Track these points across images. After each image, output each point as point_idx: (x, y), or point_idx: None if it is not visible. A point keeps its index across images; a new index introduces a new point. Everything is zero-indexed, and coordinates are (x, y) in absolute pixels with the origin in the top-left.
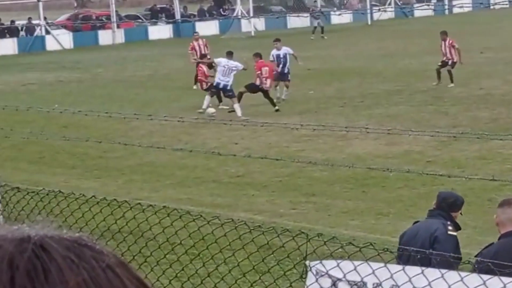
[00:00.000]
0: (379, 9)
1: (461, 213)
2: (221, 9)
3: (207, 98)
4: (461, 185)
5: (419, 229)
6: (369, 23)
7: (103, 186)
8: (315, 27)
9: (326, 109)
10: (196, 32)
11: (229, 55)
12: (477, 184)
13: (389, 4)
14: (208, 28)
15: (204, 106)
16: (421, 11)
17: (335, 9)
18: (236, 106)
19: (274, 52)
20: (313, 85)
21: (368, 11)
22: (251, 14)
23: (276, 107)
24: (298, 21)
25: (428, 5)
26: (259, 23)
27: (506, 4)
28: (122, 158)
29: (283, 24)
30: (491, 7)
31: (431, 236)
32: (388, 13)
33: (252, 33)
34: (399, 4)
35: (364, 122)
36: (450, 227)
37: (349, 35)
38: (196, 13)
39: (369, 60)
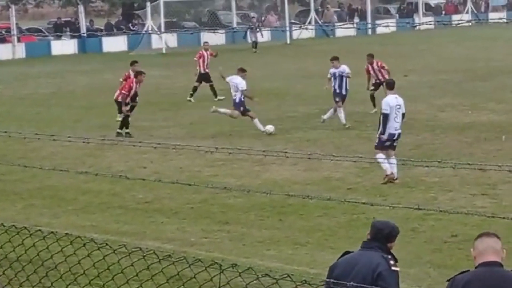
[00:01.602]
0: (299, 28)
1: None
2: (130, 24)
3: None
4: (383, 214)
5: (356, 262)
6: (288, 42)
7: (0, 211)
8: (254, 42)
9: (241, 132)
10: (206, 42)
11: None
12: (399, 213)
13: (310, 22)
14: (116, 44)
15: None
16: (343, 31)
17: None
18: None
19: (332, 70)
20: (228, 106)
21: (287, 29)
22: (162, 30)
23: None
24: (213, 37)
25: (351, 23)
26: (171, 40)
27: (431, 25)
28: (21, 181)
29: (196, 41)
30: (416, 27)
31: (373, 272)
32: (309, 32)
33: (163, 50)
34: (320, 22)
35: (281, 147)
36: (392, 261)
37: (267, 54)
38: (103, 28)
39: (288, 81)
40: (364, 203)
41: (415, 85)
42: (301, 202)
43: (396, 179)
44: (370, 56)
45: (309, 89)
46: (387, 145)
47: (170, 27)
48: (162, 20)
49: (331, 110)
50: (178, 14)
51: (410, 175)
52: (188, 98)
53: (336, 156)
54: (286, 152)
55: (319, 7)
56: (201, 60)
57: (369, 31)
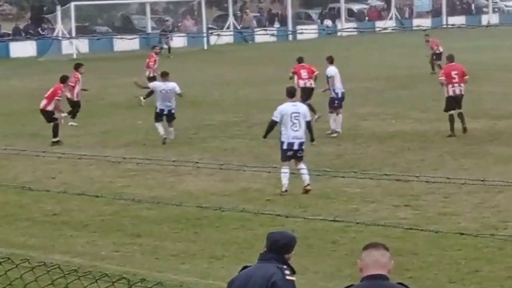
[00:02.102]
0: (217, 34)
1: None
2: (39, 29)
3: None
4: (302, 226)
5: (252, 274)
6: (206, 47)
7: None
8: (169, 47)
9: (156, 141)
10: (157, 46)
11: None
12: (320, 225)
13: (228, 28)
14: (24, 49)
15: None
16: (263, 37)
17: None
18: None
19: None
20: (142, 114)
21: (205, 34)
22: (73, 35)
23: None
24: (127, 43)
25: (265, 30)
26: (82, 45)
27: (354, 32)
28: None
29: (109, 46)
30: (338, 33)
31: (268, 282)
32: (227, 38)
33: (74, 56)
34: (239, 28)
35: (198, 156)
36: (287, 271)
37: (183, 60)
38: (10, 32)
39: (205, 88)
40: (278, 215)
41: None
42: (217, 214)
43: (308, 185)
44: (300, 60)
45: (227, 96)
46: (290, 155)
47: (82, 31)
48: (73, 24)
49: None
50: (90, 18)
51: (330, 185)
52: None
53: (250, 166)
54: (197, 162)
55: (238, 12)
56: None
57: (290, 37)
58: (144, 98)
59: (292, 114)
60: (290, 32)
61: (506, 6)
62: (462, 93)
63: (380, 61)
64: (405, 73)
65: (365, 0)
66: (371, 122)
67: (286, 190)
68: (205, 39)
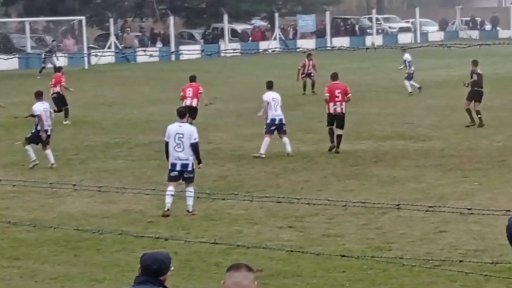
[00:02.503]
0: (96, 55)
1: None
2: None
3: None
4: (185, 248)
5: None
6: (86, 67)
7: None
8: (42, 68)
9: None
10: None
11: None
12: (203, 247)
13: (109, 47)
14: None
15: None
16: (145, 56)
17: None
18: None
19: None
20: (20, 134)
21: (85, 54)
22: None
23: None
24: (5, 63)
25: (145, 50)
26: None
27: (238, 53)
28: None
29: None
30: (222, 54)
31: None
32: (108, 57)
33: None
34: (120, 47)
35: (78, 178)
36: None
37: None
38: None
39: (86, 108)
40: (158, 237)
41: (221, 114)
42: (97, 237)
43: (190, 211)
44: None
45: (108, 117)
46: (174, 176)
47: None
48: None
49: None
50: None
51: (214, 207)
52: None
53: (129, 188)
54: (75, 185)
55: (119, 31)
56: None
57: (173, 57)
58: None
59: (176, 134)
60: (171, 53)
61: (390, 27)
62: (343, 111)
63: (264, 82)
64: (289, 94)
65: (249, 21)
66: (255, 143)
67: (168, 210)
68: (86, 58)
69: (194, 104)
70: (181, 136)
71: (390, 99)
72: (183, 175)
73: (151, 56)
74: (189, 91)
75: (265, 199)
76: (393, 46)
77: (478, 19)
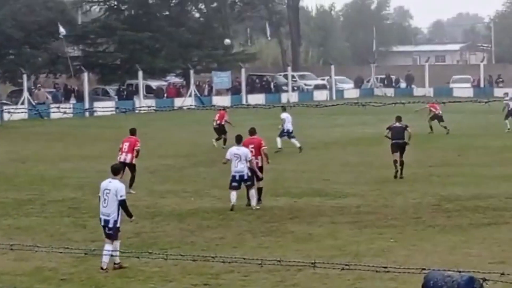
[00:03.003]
0: (9, 111)
1: None
2: None
3: None
4: None
5: None
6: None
7: None
8: None
9: None
10: None
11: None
12: None
13: (22, 103)
14: None
15: None
16: (59, 113)
17: None
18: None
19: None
20: None
21: None
22: None
23: None
24: None
25: (59, 107)
26: None
27: (152, 109)
28: None
29: None
30: (136, 111)
31: None
32: (22, 114)
33: None
34: (34, 104)
35: None
36: None
37: None
38: None
39: None
40: None
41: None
42: None
43: (106, 269)
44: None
45: (21, 173)
46: (106, 232)
47: None
48: None
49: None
50: None
51: (128, 264)
52: None
53: (41, 246)
54: None
55: (33, 87)
56: None
57: (87, 113)
58: None
59: (105, 190)
60: (86, 110)
61: (305, 84)
62: (259, 165)
63: (180, 138)
64: (205, 150)
65: (164, 77)
66: (170, 199)
67: (105, 268)
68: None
69: (127, 160)
70: (108, 192)
71: (305, 156)
72: (104, 231)
73: (64, 113)
74: (126, 146)
75: (180, 257)
76: (308, 104)
77: (393, 77)
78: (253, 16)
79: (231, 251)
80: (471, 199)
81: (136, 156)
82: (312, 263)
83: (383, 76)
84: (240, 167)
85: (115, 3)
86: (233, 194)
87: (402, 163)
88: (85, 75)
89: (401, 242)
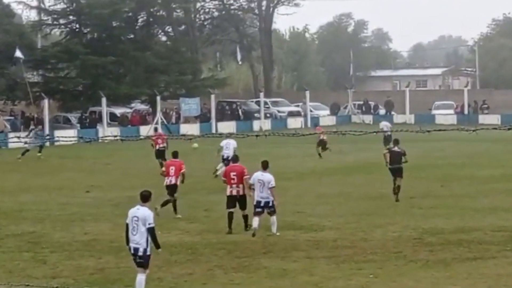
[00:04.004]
0: None
1: None
2: None
3: None
4: None
5: None
6: None
7: None
8: None
9: None
10: None
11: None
12: None
13: None
14: None
15: None
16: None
17: None
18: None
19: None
20: None
21: None
22: None
23: None
24: None
25: (19, 137)
26: None
27: (117, 138)
28: None
29: None
30: (100, 140)
31: None
32: None
33: None
34: None
35: None
36: None
37: None
38: None
39: None
40: None
41: (97, 202)
42: None
43: None
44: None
45: None
46: (137, 261)
47: None
48: None
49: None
50: None
51: None
52: None
53: (2, 284)
54: None
55: None
56: None
57: (47, 143)
58: None
59: (133, 217)
60: (48, 139)
61: (278, 111)
62: (240, 193)
63: (145, 169)
64: None
65: (128, 104)
66: None
67: None
68: None
69: (173, 182)
70: (136, 219)
71: (279, 187)
72: (135, 260)
73: (25, 143)
74: (172, 169)
75: None
76: (281, 132)
77: (372, 103)
78: (223, 39)
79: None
80: (455, 232)
81: (182, 180)
82: None
83: (361, 102)
84: (266, 193)
85: (77, 26)
86: (256, 220)
87: (398, 188)
88: (45, 102)
89: (381, 278)
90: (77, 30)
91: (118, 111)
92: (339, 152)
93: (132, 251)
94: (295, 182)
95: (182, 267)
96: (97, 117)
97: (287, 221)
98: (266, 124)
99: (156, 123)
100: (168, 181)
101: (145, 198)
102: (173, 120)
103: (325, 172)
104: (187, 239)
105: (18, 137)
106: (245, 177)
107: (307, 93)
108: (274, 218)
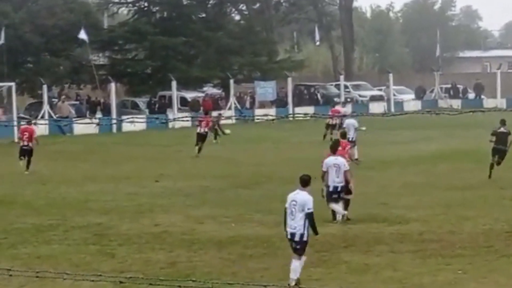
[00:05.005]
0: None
1: None
2: None
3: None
4: None
5: None
6: (16, 140)
7: None
8: None
9: None
10: None
11: None
12: None
13: (42, 117)
14: None
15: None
16: (83, 128)
17: None
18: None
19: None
20: None
21: (15, 124)
22: None
23: None
24: None
25: (91, 118)
26: None
27: (188, 121)
28: None
29: None
30: (170, 125)
31: None
32: (41, 128)
33: None
34: (55, 117)
35: (6, 264)
36: None
37: None
38: None
39: (15, 186)
40: None
41: (168, 192)
42: None
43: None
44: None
45: (41, 196)
46: (293, 247)
47: None
48: None
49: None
50: None
51: None
52: None
53: (70, 274)
54: (9, 270)
55: (54, 100)
56: None
57: (114, 129)
58: None
59: (292, 202)
60: (114, 122)
61: (360, 96)
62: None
63: (219, 157)
64: (248, 171)
65: (200, 88)
66: (208, 225)
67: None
68: (15, 129)
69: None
70: (294, 204)
71: (362, 176)
72: (291, 245)
73: (97, 125)
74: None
75: (228, 286)
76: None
77: (460, 87)
78: (301, 18)
79: (277, 283)
80: None
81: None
82: None
83: (449, 86)
84: (342, 178)
85: (145, 4)
86: (335, 206)
87: (499, 163)
88: (112, 86)
89: (470, 274)
90: (145, 9)
91: (189, 95)
92: (426, 139)
93: (289, 236)
94: (378, 172)
95: (258, 261)
96: (167, 102)
97: (370, 213)
98: (347, 109)
99: (229, 108)
100: None
101: (304, 182)
102: (247, 105)
103: (410, 160)
104: (263, 231)
105: (90, 118)
106: (345, 169)
107: (391, 76)
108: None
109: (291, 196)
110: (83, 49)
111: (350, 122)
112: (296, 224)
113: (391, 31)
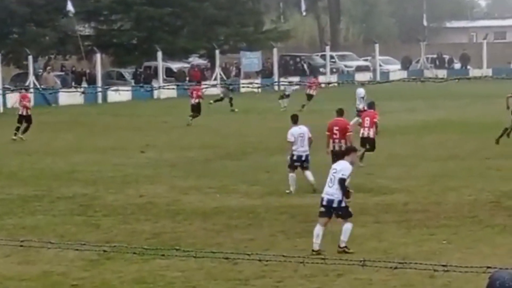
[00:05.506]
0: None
1: None
2: None
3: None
4: None
5: None
6: (2, 110)
7: None
8: None
9: None
10: None
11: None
12: None
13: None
14: None
15: None
16: (69, 98)
17: None
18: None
19: None
20: None
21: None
22: None
23: None
24: None
25: (76, 87)
26: None
27: (174, 93)
28: None
29: None
30: (155, 95)
31: None
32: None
33: None
34: (40, 88)
35: None
36: None
37: None
38: None
39: (1, 157)
40: None
41: (153, 163)
42: None
43: (318, 250)
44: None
45: (26, 167)
46: (321, 211)
47: None
48: None
49: None
50: None
51: (147, 268)
52: None
53: (54, 243)
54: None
55: (40, 71)
56: None
57: (100, 99)
58: None
59: (332, 170)
60: (99, 91)
61: (346, 66)
62: (341, 149)
63: (204, 128)
64: (234, 142)
65: (186, 58)
66: (193, 196)
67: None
68: (0, 100)
69: (371, 135)
70: (335, 171)
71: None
72: (322, 210)
73: (82, 93)
74: (367, 121)
75: (210, 255)
76: (350, 81)
77: (446, 57)
78: None
79: (262, 253)
80: None
81: (376, 132)
82: (360, 261)
83: (435, 56)
84: (306, 147)
85: None
86: (293, 176)
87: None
88: (98, 57)
89: (455, 244)
90: None
91: (175, 66)
92: (412, 110)
93: (325, 203)
94: None
95: (243, 232)
96: (152, 73)
97: (355, 183)
98: (332, 79)
99: (215, 78)
100: (365, 133)
101: (347, 151)
102: (233, 75)
103: (396, 131)
104: (248, 202)
105: (76, 87)
106: (348, 133)
107: (377, 46)
108: (308, 173)
109: (333, 165)
110: (69, 19)
111: (358, 92)
112: (334, 191)
113: (377, 1)
